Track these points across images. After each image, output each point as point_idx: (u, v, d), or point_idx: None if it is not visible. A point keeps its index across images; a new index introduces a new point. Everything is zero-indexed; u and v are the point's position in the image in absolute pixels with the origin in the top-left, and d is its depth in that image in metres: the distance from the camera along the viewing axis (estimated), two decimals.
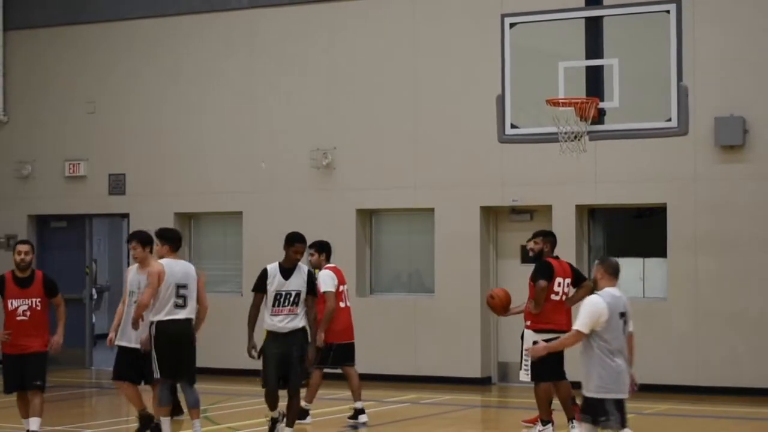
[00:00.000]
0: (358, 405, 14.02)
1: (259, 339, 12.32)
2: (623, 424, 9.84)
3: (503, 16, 12.86)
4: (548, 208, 17.81)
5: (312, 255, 14.23)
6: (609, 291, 9.78)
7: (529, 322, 13.05)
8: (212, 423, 14.18)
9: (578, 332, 9.66)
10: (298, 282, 12.12)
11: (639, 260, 17.69)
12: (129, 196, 20.63)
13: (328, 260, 14.26)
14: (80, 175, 20.98)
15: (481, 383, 18.08)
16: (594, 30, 12.42)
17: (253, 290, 12.35)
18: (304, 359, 12.14)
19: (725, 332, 16.80)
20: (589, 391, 9.68)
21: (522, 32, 12.72)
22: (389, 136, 18.75)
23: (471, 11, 18.17)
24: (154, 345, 12.04)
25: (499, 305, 13.38)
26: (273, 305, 12.10)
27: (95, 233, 22.19)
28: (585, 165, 16.48)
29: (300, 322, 12.14)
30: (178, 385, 12.53)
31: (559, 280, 13.03)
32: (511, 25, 12.73)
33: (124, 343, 12.77)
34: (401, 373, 18.49)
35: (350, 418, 14.07)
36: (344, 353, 14.16)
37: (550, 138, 12.47)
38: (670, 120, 12.13)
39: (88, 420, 15.48)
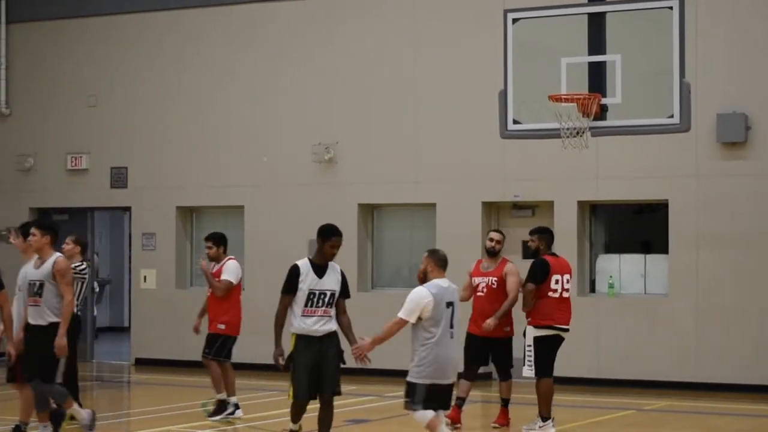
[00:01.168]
0: (233, 399, 14.03)
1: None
2: (445, 407, 10.71)
3: (506, 11, 12.84)
4: (550, 204, 17.82)
5: (210, 248, 14.20)
6: (436, 282, 10.53)
7: (530, 319, 13.07)
8: None
9: (401, 320, 10.62)
10: (332, 281, 10.94)
11: (640, 256, 17.70)
12: (131, 189, 20.64)
13: (225, 253, 14.24)
14: (82, 168, 20.99)
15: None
16: (597, 26, 12.41)
17: (283, 291, 10.88)
18: (339, 366, 11.18)
19: (726, 328, 16.81)
20: (410, 376, 10.67)
21: (525, 28, 12.70)
22: (391, 131, 18.75)
23: (473, 6, 18.17)
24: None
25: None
26: (305, 305, 10.81)
27: (97, 226, 22.22)
28: (587, 161, 16.50)
29: (334, 324, 11.05)
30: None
31: (557, 277, 13.00)
32: (514, 20, 12.71)
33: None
34: (402, 368, 18.43)
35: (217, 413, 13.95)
36: (232, 347, 14.16)
37: (552, 134, 12.46)
38: (672, 116, 12.11)
39: None
